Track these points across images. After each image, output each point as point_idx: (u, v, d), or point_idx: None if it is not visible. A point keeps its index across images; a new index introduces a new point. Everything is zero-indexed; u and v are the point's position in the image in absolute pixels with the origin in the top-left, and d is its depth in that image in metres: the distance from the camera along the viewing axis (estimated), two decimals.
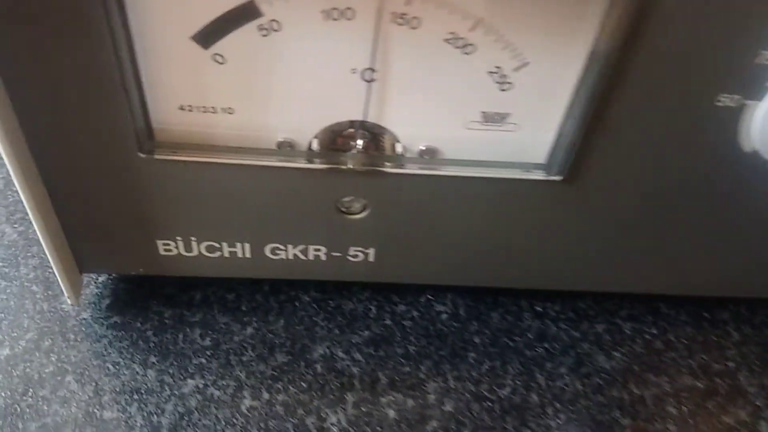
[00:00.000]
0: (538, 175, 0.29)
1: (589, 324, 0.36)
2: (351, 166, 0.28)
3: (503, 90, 0.27)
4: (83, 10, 0.22)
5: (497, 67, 0.26)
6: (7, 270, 0.35)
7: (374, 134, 0.28)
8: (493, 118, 0.28)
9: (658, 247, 0.33)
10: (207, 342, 0.33)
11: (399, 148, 0.29)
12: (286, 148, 0.28)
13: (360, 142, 0.28)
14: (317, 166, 0.28)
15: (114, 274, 0.35)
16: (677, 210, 0.31)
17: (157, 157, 0.27)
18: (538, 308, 0.36)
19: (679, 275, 0.35)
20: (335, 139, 0.29)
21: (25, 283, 0.34)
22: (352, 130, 0.28)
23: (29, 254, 0.36)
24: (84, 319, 0.33)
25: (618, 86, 0.25)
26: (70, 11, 0.22)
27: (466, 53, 0.25)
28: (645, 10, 0.23)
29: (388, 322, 0.35)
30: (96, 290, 0.34)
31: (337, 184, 0.29)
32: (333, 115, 0.28)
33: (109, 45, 0.23)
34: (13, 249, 0.36)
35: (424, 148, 0.29)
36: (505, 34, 0.25)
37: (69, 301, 0.32)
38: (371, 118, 0.28)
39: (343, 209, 0.30)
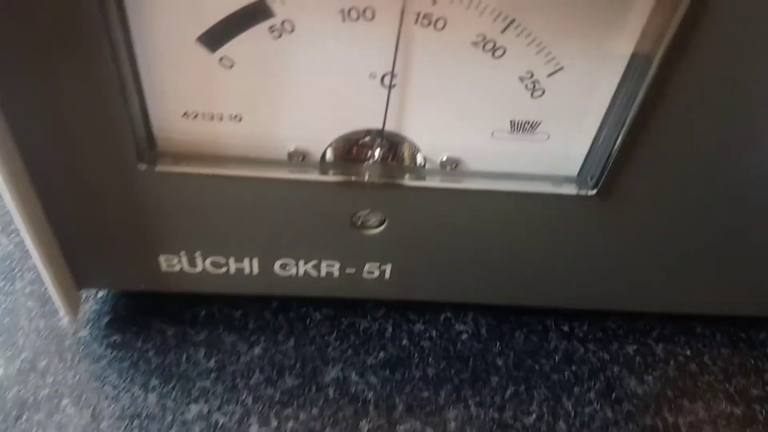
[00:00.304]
0: (569, 189, 0.26)
1: (619, 345, 0.34)
2: (368, 179, 0.26)
3: (534, 97, 0.24)
4: (77, 10, 0.20)
5: (529, 72, 0.24)
6: (2, 284, 0.33)
7: (393, 143, 0.26)
8: (522, 127, 0.26)
9: (695, 266, 0.31)
10: (212, 363, 0.31)
11: (419, 159, 0.27)
12: (298, 158, 0.26)
13: (378, 152, 0.26)
14: (331, 178, 0.26)
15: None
16: (718, 226, 0.28)
17: (159, 169, 0.25)
18: (565, 328, 0.34)
19: (715, 294, 0.33)
20: (351, 148, 0.27)
21: (21, 299, 0.33)
22: (368, 138, 0.26)
23: (26, 267, 0.34)
24: (82, 337, 0.31)
25: (661, 93, 0.23)
26: (64, 12, 0.20)
27: (496, 57, 0.23)
28: (694, 11, 0.20)
29: (405, 342, 0.33)
30: (95, 306, 0.33)
31: (352, 197, 0.27)
32: (349, 123, 0.26)
33: (106, 47, 0.21)
34: (9, 261, 0.34)
35: (446, 158, 0.27)
36: (539, 36, 0.22)
37: (66, 320, 0.30)
38: (390, 127, 0.26)
39: (359, 223, 0.28)
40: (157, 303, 0.33)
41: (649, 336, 0.35)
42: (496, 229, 0.28)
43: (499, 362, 0.32)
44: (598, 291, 0.32)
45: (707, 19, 0.21)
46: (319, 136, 0.26)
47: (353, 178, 0.26)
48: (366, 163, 0.26)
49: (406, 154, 0.27)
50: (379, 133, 0.26)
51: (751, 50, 0.22)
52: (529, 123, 0.25)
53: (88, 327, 0.32)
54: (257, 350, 0.31)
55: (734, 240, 0.29)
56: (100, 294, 0.33)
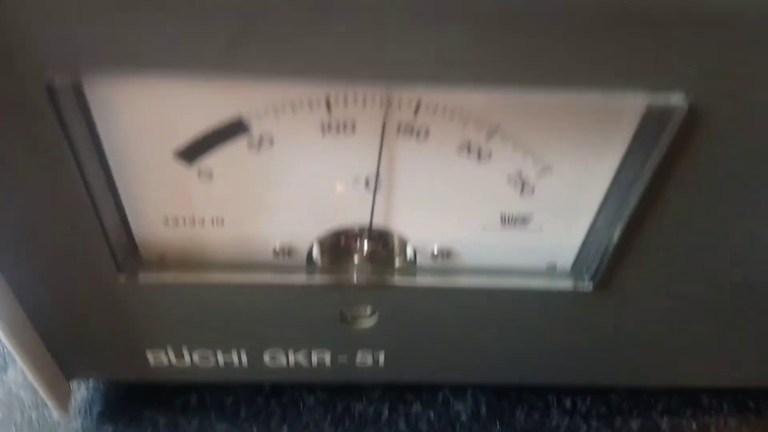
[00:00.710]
0: (566, 285, 0.26)
1: (623, 420, 0.33)
2: (356, 281, 0.25)
3: (524, 195, 0.24)
4: (38, 132, 0.19)
5: (517, 173, 0.23)
6: None
7: (382, 234, 0.26)
8: (513, 221, 0.25)
9: (698, 346, 0.30)
10: None
11: (410, 251, 0.26)
12: (284, 255, 0.26)
13: (366, 246, 0.26)
14: (319, 281, 0.25)
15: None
16: (720, 314, 0.28)
17: (141, 280, 0.24)
18: (567, 404, 0.33)
19: (720, 368, 0.32)
20: (339, 241, 0.26)
21: (14, 389, 0.32)
22: (357, 231, 0.26)
23: None
24: (74, 429, 0.31)
25: (657, 189, 0.22)
26: (24, 132, 0.19)
27: (482, 161, 0.22)
28: (690, 115, 0.19)
29: (401, 426, 0.32)
30: (87, 395, 0.32)
31: (341, 296, 0.26)
32: (335, 220, 0.25)
33: (73, 164, 0.20)
34: (2, 348, 0.34)
35: (437, 250, 0.26)
36: (525, 140, 0.22)
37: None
38: (378, 223, 0.25)
39: (349, 318, 0.28)
40: (149, 389, 0.32)
41: (654, 409, 0.33)
42: (491, 322, 0.28)
43: None
44: (597, 371, 0.31)
45: (702, 122, 0.20)
46: (304, 233, 0.25)
47: (341, 279, 0.25)
48: (354, 262, 0.25)
49: (396, 245, 0.26)
50: (367, 230, 0.25)
51: (747, 147, 0.21)
52: (520, 217, 0.25)
53: (80, 418, 0.31)
54: None
55: (736, 323, 0.28)
56: (92, 382, 0.32)
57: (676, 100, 0.19)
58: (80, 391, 0.32)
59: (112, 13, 0.16)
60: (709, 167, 0.21)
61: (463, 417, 0.32)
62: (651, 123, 0.20)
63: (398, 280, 0.25)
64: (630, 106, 0.20)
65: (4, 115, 0.18)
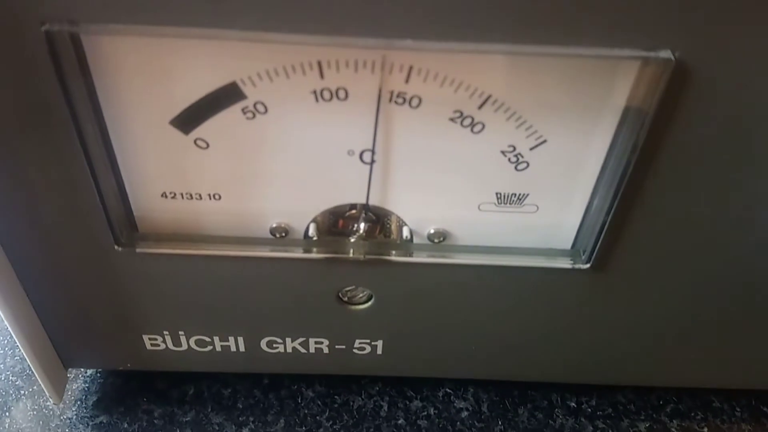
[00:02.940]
0: (563, 263, 0.25)
1: (631, 422, 0.32)
2: (353, 256, 0.25)
3: (519, 170, 0.24)
4: (42, 98, 0.20)
5: (511, 146, 0.23)
6: None
7: (379, 216, 0.26)
8: (509, 200, 0.25)
9: (706, 338, 0.29)
10: None
11: (406, 232, 0.26)
12: (280, 234, 0.26)
13: (363, 226, 0.26)
14: (315, 256, 0.25)
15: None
16: (725, 297, 0.27)
17: (139, 250, 0.24)
18: (572, 403, 0.32)
19: (731, 368, 0.31)
20: (336, 222, 0.26)
21: (11, 377, 0.32)
22: (354, 211, 0.26)
23: (17, 344, 0.33)
24: (68, 418, 0.31)
25: (652, 162, 0.22)
26: (28, 103, 0.20)
27: (475, 132, 0.22)
28: (681, 73, 0.19)
29: (401, 421, 0.31)
30: (84, 385, 0.32)
31: (338, 273, 0.26)
32: (331, 198, 0.25)
33: (75, 136, 0.21)
34: (1, 338, 0.34)
35: (433, 231, 0.26)
36: (518, 111, 0.22)
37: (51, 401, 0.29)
38: (374, 201, 0.25)
39: (346, 299, 0.27)
40: (147, 380, 0.32)
41: (662, 411, 0.32)
42: (490, 304, 0.27)
43: None
44: (602, 366, 0.30)
45: (693, 86, 0.20)
46: (301, 211, 0.25)
47: (338, 255, 0.25)
48: (350, 239, 0.25)
49: (393, 227, 0.26)
50: (364, 207, 0.25)
51: (740, 117, 0.21)
52: (515, 195, 0.25)
53: (74, 407, 0.31)
54: None
55: (744, 310, 0.28)
56: (89, 372, 0.32)
57: (665, 54, 0.19)
58: (77, 382, 0.32)
59: None
60: (702, 132, 0.21)
61: (464, 414, 0.32)
62: (642, 86, 0.20)
63: (394, 256, 0.25)
64: (620, 69, 0.20)
65: (3, 69, 0.19)
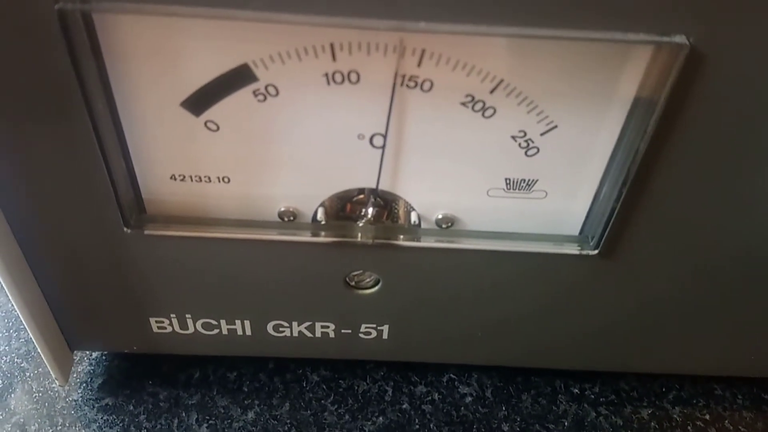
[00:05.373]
0: (571, 249, 0.25)
1: (633, 408, 0.32)
2: (361, 240, 0.25)
3: (529, 155, 0.24)
4: (54, 83, 0.20)
5: (522, 131, 0.23)
6: None
7: (387, 201, 0.26)
8: (518, 186, 0.25)
9: (711, 326, 0.29)
10: (204, 429, 0.30)
11: (414, 217, 0.26)
12: (288, 218, 0.26)
13: (371, 210, 0.26)
14: (323, 239, 0.25)
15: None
16: (731, 284, 0.27)
17: (147, 232, 0.24)
18: (575, 390, 0.33)
19: (734, 355, 0.31)
20: (344, 206, 0.26)
21: (16, 360, 0.32)
22: (362, 195, 0.26)
23: (23, 327, 0.33)
24: (74, 400, 0.31)
25: (662, 149, 0.22)
26: (40, 84, 0.20)
27: (486, 117, 0.22)
28: (694, 59, 0.19)
29: (405, 406, 0.31)
30: (89, 368, 0.32)
31: (345, 257, 0.26)
32: (340, 182, 0.25)
33: (86, 117, 0.20)
34: (6, 321, 0.34)
35: (441, 216, 0.26)
36: (529, 95, 0.22)
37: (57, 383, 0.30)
38: (383, 186, 0.25)
39: (353, 284, 0.27)
40: (152, 364, 0.32)
41: (665, 398, 0.33)
42: (497, 290, 0.27)
43: (505, 428, 0.31)
44: (606, 352, 0.30)
45: (706, 73, 0.20)
46: (310, 195, 0.25)
47: (345, 239, 0.25)
48: (358, 223, 0.25)
49: (401, 212, 0.26)
50: (373, 192, 0.25)
51: (752, 105, 0.21)
52: (524, 181, 0.25)
53: (80, 390, 0.31)
54: (251, 414, 0.30)
55: (750, 297, 0.28)
56: (95, 355, 0.32)
57: (680, 39, 0.19)
58: (82, 364, 0.32)
59: None
60: (714, 120, 0.21)
61: (468, 399, 0.32)
62: (654, 73, 0.20)
63: (402, 241, 0.25)
64: (633, 55, 0.20)
65: (16, 49, 0.19)
